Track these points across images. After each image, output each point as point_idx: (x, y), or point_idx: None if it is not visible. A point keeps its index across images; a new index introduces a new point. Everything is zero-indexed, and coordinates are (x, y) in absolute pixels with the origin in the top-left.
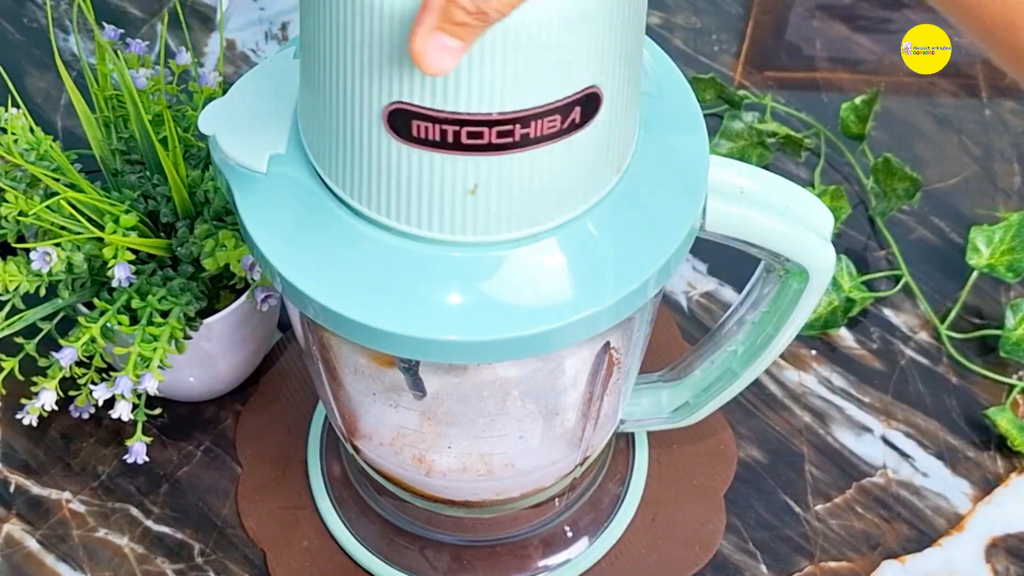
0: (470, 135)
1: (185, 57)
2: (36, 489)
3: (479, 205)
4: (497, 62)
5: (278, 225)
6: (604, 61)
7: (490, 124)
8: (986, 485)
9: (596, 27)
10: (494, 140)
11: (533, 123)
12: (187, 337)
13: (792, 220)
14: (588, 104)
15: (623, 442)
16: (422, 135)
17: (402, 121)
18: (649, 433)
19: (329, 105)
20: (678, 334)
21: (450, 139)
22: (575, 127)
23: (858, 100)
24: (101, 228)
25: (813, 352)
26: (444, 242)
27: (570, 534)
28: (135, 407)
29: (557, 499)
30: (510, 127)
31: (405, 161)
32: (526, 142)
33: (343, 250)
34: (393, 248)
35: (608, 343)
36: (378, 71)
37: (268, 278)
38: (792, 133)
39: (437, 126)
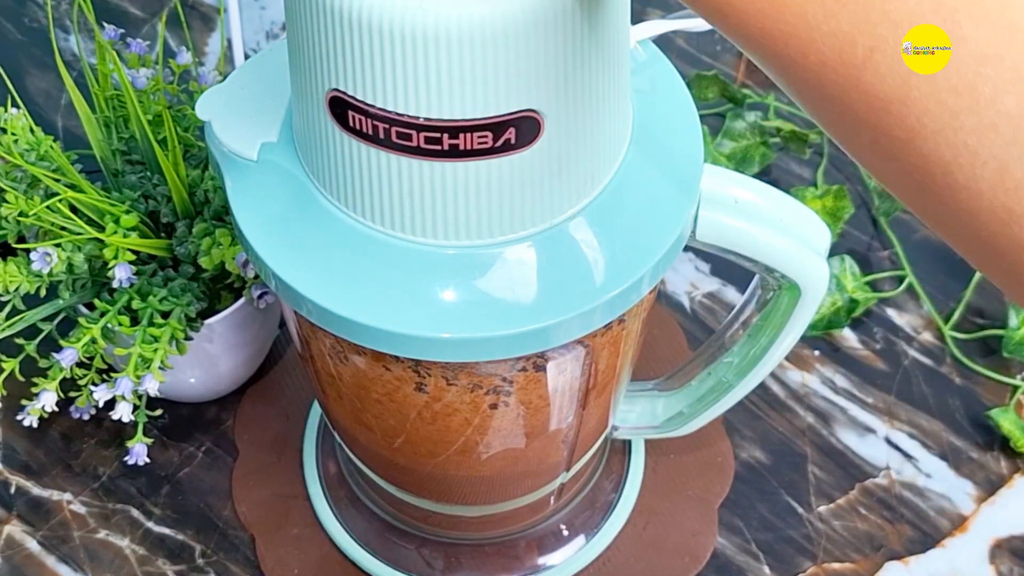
0: (399, 135)
1: (185, 57)
2: (37, 490)
3: (424, 207)
4: (431, 67)
5: (265, 214)
6: (544, 87)
7: (417, 128)
8: (990, 486)
9: (531, 50)
10: (423, 145)
11: (462, 135)
12: (188, 338)
13: (786, 234)
14: (525, 127)
15: (619, 443)
16: (357, 126)
17: (340, 109)
18: (646, 441)
19: (298, 91)
20: (684, 342)
21: (381, 135)
22: (511, 147)
23: None
24: (101, 229)
25: (816, 352)
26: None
27: (565, 533)
28: (136, 408)
29: (552, 498)
30: (437, 135)
31: (348, 151)
32: (456, 153)
33: (328, 242)
34: (382, 243)
35: (588, 348)
36: (322, 56)
37: (256, 269)
38: (797, 129)
39: (369, 120)
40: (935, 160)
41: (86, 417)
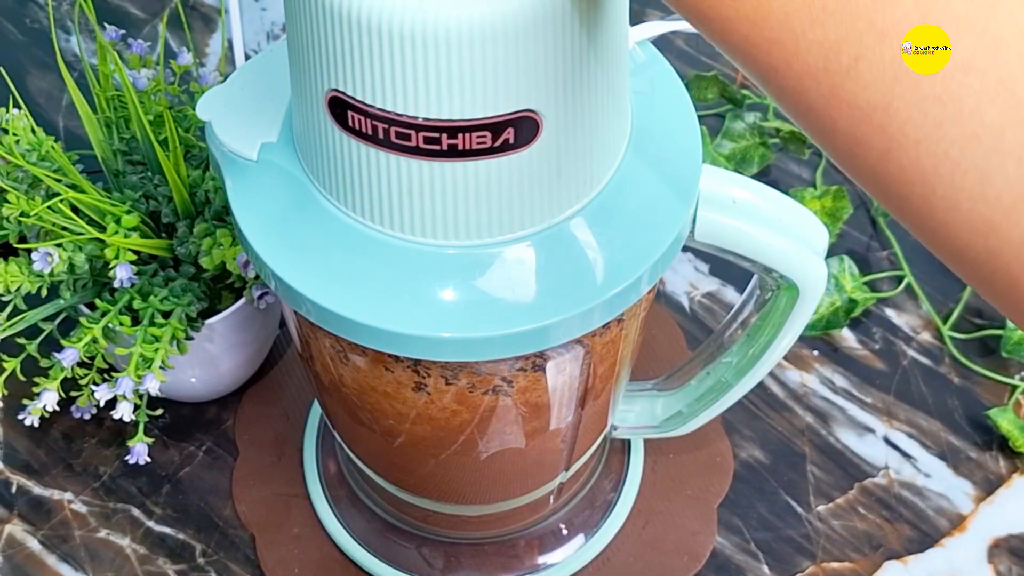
0: (398, 135)
1: (186, 58)
2: (38, 490)
3: (424, 207)
4: (430, 67)
5: (265, 214)
6: (543, 88)
7: (416, 128)
8: (988, 486)
9: (530, 51)
10: (421, 145)
11: (460, 135)
12: (189, 338)
13: (784, 233)
14: (523, 127)
15: (618, 442)
16: (357, 126)
17: (340, 110)
18: (646, 441)
19: (298, 92)
20: (683, 342)
21: (381, 135)
22: (510, 147)
23: None
24: (103, 229)
25: (815, 352)
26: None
27: (565, 533)
28: (137, 408)
29: (551, 497)
30: (436, 135)
31: (347, 151)
32: (455, 153)
33: (328, 242)
34: (381, 243)
35: (587, 347)
36: (321, 56)
37: (256, 269)
38: (796, 129)
39: (368, 120)
40: (916, 169)
41: (87, 416)
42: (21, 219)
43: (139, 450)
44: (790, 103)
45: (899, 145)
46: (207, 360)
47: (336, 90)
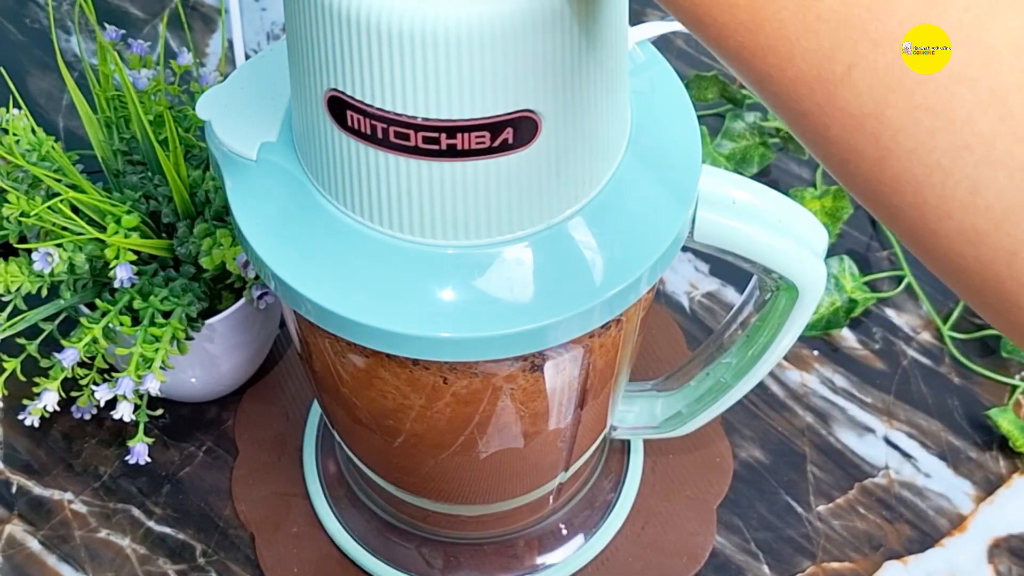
0: (397, 135)
1: (186, 58)
2: (38, 490)
3: (423, 207)
4: (428, 67)
5: (265, 214)
6: (542, 88)
7: (415, 128)
8: (988, 486)
9: (529, 51)
10: (421, 144)
11: (459, 135)
12: (189, 338)
13: (784, 234)
14: (522, 127)
15: (618, 443)
16: (355, 126)
17: (339, 109)
18: (645, 441)
19: (298, 91)
20: (682, 342)
21: (380, 135)
22: (509, 147)
23: None
24: (103, 229)
25: (815, 352)
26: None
27: (564, 533)
28: (137, 408)
29: (551, 497)
30: (435, 135)
31: (346, 151)
32: (454, 153)
33: (327, 242)
34: (380, 243)
35: (586, 348)
36: (321, 56)
37: (256, 269)
38: None
39: (367, 120)
40: (907, 178)
41: (87, 417)
42: (21, 219)
43: (139, 450)
44: (784, 110)
45: (892, 154)
46: (207, 360)
47: (335, 90)
